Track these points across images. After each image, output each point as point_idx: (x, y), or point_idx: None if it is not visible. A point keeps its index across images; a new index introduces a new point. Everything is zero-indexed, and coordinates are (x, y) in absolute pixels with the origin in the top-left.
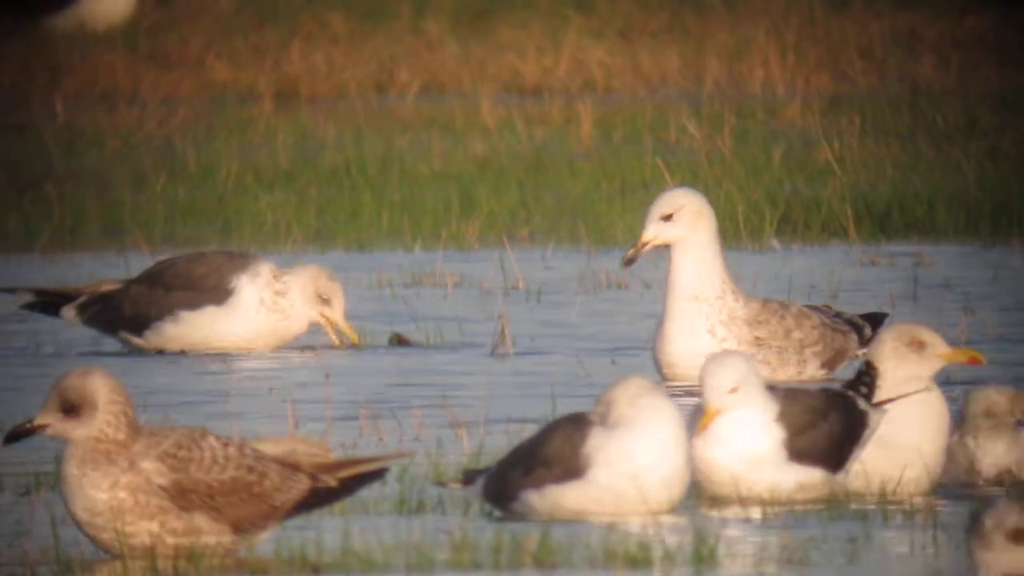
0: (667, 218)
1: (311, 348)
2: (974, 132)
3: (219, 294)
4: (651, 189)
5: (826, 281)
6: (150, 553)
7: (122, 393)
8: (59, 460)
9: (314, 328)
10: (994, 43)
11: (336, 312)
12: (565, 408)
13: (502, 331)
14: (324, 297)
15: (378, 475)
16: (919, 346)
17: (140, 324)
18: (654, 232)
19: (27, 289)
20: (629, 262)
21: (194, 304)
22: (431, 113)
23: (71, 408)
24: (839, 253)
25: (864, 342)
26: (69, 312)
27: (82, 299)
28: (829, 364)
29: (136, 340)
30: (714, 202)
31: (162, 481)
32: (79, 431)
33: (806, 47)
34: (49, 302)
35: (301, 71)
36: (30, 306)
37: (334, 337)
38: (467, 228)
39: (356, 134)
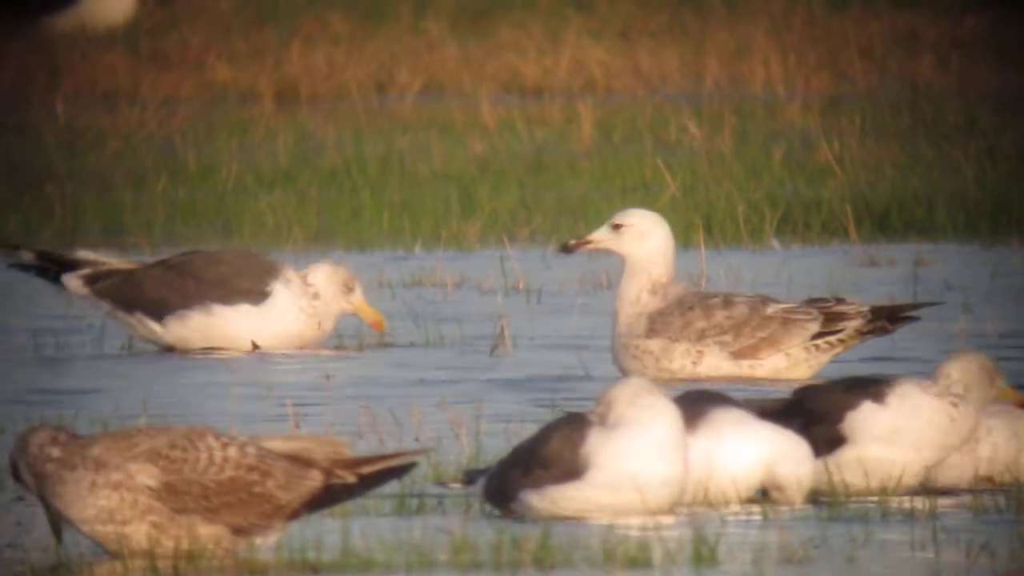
0: (616, 228)
1: (311, 348)
2: (974, 132)
3: (255, 295)
4: (651, 189)
5: (826, 281)
6: (150, 553)
7: (46, 430)
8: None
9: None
10: (994, 43)
11: (360, 298)
12: (565, 408)
13: (502, 331)
14: (349, 287)
15: (404, 470)
16: (991, 377)
17: (164, 309)
18: (600, 236)
19: (31, 250)
20: (564, 249)
21: (229, 300)
22: (431, 113)
23: (17, 477)
24: (839, 253)
25: (848, 329)
26: (73, 281)
27: (88, 270)
28: (744, 354)
29: (152, 324)
30: (714, 202)
31: (151, 482)
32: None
33: (806, 47)
34: (48, 268)
35: (301, 71)
36: (25, 267)
37: (370, 319)
38: (467, 228)
39: (356, 134)
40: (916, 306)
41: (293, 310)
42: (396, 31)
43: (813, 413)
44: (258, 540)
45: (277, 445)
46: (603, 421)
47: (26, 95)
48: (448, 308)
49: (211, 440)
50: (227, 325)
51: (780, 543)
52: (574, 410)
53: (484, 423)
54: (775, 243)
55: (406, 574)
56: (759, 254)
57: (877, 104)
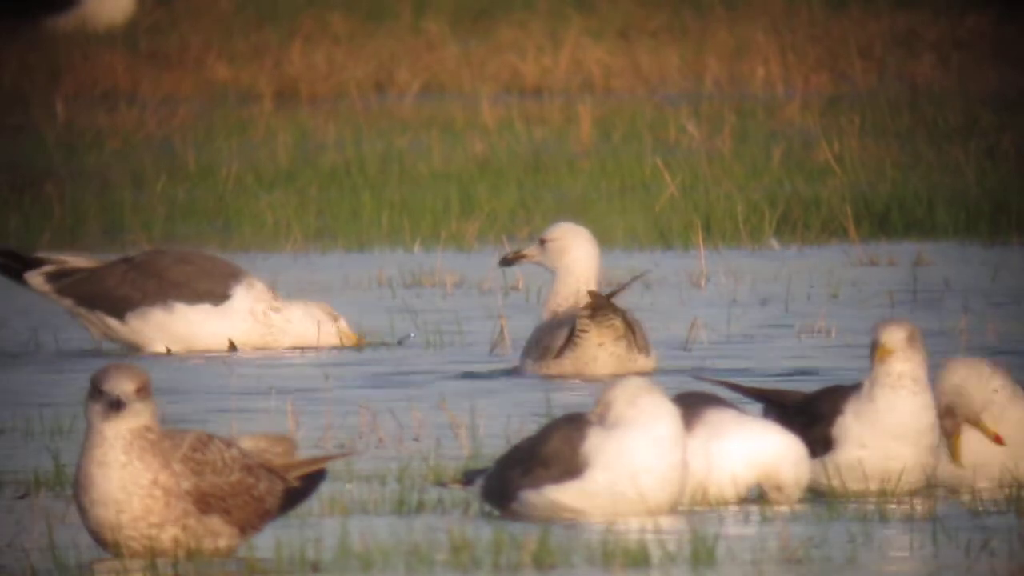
0: (543, 243)
1: (311, 348)
2: (974, 132)
3: (216, 297)
4: (651, 189)
5: (826, 281)
6: (150, 553)
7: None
8: (83, 450)
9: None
10: (994, 43)
11: (346, 326)
12: (563, 408)
13: (501, 331)
14: (334, 315)
15: (320, 475)
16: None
17: (125, 306)
18: (531, 250)
19: None
20: (503, 262)
21: (191, 299)
22: (431, 113)
23: (141, 389)
24: (839, 253)
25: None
26: (36, 278)
27: (50, 268)
28: (540, 357)
29: (112, 321)
30: (713, 202)
31: (186, 485)
32: (143, 416)
33: (806, 47)
34: (11, 266)
35: (301, 71)
36: None
37: (353, 344)
38: (467, 228)
39: (356, 134)
40: (620, 289)
41: (245, 312)
42: (396, 31)
43: (811, 415)
44: (247, 542)
45: (243, 445)
46: (602, 421)
47: (26, 95)
48: (448, 308)
49: (217, 442)
50: (188, 324)
51: (780, 543)
52: (573, 410)
53: (483, 423)
54: (775, 243)
55: (405, 574)
56: (758, 254)
57: (877, 104)
